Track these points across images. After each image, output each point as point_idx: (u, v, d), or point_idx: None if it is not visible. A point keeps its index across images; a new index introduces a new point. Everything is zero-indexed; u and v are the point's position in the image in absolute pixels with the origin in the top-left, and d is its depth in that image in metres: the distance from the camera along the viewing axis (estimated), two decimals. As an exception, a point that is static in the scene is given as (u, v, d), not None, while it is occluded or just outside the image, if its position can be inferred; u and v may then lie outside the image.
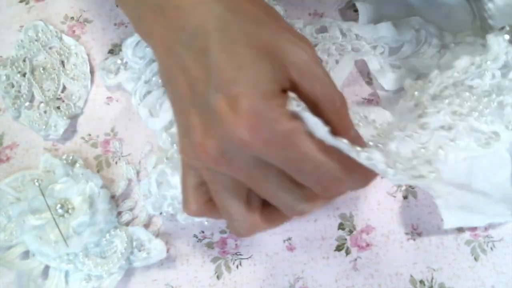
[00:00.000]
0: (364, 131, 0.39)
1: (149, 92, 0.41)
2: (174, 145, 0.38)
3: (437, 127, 0.38)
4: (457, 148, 0.38)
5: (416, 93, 0.41)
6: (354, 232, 0.40)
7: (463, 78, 0.40)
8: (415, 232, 0.40)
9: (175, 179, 0.37)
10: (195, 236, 0.40)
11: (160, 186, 0.37)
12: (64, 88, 0.46)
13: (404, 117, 0.39)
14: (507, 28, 0.42)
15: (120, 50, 0.47)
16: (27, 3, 0.51)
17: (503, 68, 0.41)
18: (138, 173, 0.43)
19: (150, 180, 0.38)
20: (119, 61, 0.46)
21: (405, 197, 0.42)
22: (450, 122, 0.38)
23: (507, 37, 0.40)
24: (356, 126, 0.37)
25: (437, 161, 0.36)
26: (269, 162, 0.27)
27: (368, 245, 0.40)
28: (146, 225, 0.40)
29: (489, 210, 0.40)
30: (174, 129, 0.39)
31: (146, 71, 0.43)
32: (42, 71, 0.46)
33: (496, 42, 0.41)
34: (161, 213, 0.40)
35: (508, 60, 0.41)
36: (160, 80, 0.41)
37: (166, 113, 0.39)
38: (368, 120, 0.40)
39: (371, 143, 0.36)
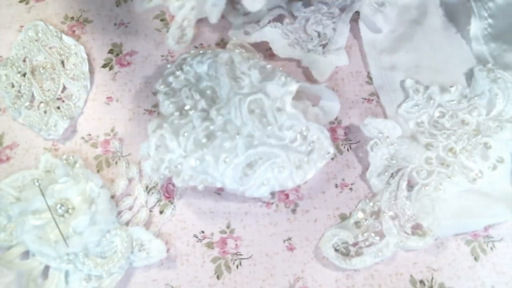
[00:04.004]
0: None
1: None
2: (176, 113, 0.39)
3: (438, 163, 0.41)
4: (452, 184, 0.41)
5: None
6: (354, 232, 0.40)
7: (456, 109, 0.43)
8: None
9: (173, 144, 0.38)
10: (195, 236, 0.40)
11: (158, 149, 0.39)
12: (64, 88, 0.46)
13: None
14: (489, 66, 0.45)
15: (121, 51, 0.48)
16: (27, 3, 0.51)
17: (488, 105, 0.44)
18: (140, 171, 0.43)
19: (150, 143, 0.39)
20: None
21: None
22: (447, 159, 0.41)
23: (486, 74, 0.44)
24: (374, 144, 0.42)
25: (437, 198, 0.40)
26: None
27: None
28: (146, 225, 0.40)
29: (488, 211, 0.40)
30: (174, 99, 0.40)
31: None
32: (42, 71, 0.46)
33: (481, 77, 0.44)
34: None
35: (491, 97, 0.44)
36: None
37: None
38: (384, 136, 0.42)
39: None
